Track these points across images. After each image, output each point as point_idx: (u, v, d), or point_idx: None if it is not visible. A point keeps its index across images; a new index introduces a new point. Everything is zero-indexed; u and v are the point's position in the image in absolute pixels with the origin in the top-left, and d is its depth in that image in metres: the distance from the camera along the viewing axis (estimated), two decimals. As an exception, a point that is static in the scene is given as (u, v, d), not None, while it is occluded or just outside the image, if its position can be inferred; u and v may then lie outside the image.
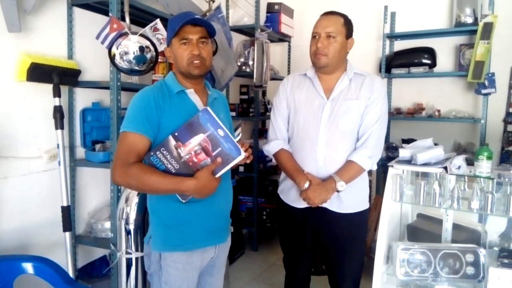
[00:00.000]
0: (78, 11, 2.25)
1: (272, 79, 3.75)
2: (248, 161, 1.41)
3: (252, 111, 3.69)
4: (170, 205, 1.40)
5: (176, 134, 1.31)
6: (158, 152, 1.32)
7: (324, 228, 1.79)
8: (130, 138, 1.33)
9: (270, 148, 1.85)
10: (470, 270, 1.59)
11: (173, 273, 1.41)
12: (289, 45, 4.16)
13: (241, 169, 3.59)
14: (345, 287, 1.83)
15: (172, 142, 1.31)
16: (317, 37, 1.72)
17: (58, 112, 1.99)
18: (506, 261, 1.58)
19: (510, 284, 1.52)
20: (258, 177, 3.59)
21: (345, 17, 1.75)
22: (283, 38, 4.02)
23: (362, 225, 1.86)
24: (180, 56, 1.41)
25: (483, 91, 3.25)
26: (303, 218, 1.81)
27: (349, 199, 1.75)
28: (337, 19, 1.72)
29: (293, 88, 1.85)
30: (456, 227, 1.80)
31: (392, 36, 3.71)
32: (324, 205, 1.71)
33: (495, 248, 1.68)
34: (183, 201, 1.36)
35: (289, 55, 4.19)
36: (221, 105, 1.59)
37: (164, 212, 1.42)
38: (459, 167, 1.64)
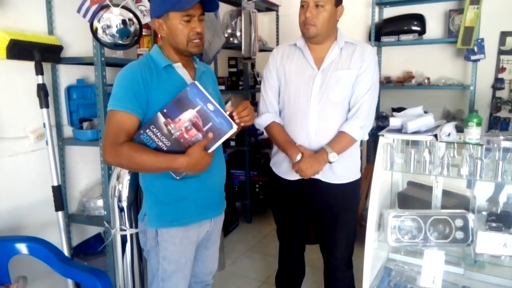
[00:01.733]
0: (56, -16, 2.15)
1: (261, 50, 3.68)
2: (243, 123, 1.39)
3: (241, 84, 3.64)
4: (164, 182, 1.39)
5: (165, 110, 1.28)
6: (148, 130, 1.29)
7: (317, 199, 1.81)
8: (118, 117, 1.30)
9: (261, 121, 1.83)
10: (459, 234, 1.63)
11: (170, 249, 1.42)
12: (277, 15, 4.07)
13: (232, 143, 3.58)
14: (338, 253, 1.87)
15: (162, 119, 1.28)
16: (305, 6, 1.67)
17: (42, 91, 1.94)
18: (494, 224, 1.62)
19: (498, 247, 1.57)
20: (250, 151, 3.59)
21: None
22: (271, 7, 3.92)
23: (355, 194, 1.88)
24: (181, 33, 1.35)
25: (473, 58, 3.24)
26: (296, 190, 1.81)
27: (341, 170, 1.76)
28: None
29: (283, 59, 1.81)
30: (445, 193, 1.84)
31: (381, 3, 3.64)
32: (317, 176, 1.72)
33: (484, 213, 1.73)
34: (177, 177, 1.35)
35: (277, 25, 4.10)
36: (210, 79, 1.56)
37: (159, 189, 1.41)
38: (449, 134, 1.65)
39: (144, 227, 1.46)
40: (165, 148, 1.31)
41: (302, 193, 1.82)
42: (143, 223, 1.47)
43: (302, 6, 1.69)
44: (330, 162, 1.69)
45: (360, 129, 1.70)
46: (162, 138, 1.30)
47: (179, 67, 1.41)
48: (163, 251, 1.43)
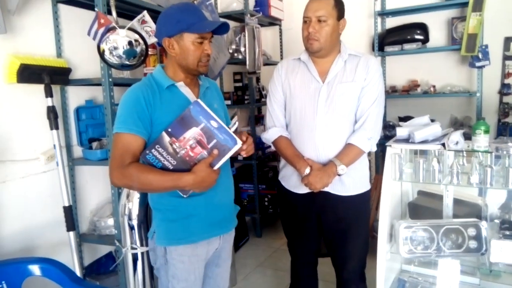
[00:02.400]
0: (63, 8, 2.21)
1: (265, 64, 3.72)
2: (245, 154, 1.40)
3: (247, 98, 3.67)
4: (172, 200, 1.40)
5: (170, 130, 1.29)
6: (153, 150, 1.30)
7: (328, 212, 1.80)
8: (123, 139, 1.32)
9: (269, 135, 1.84)
10: (472, 243, 1.60)
11: (179, 267, 1.42)
12: (280, 29, 4.11)
13: (240, 157, 3.58)
14: (350, 266, 1.84)
15: (166, 138, 1.29)
16: (307, 21, 1.69)
17: (51, 113, 1.97)
18: (507, 232, 1.59)
19: (513, 255, 1.54)
20: (258, 164, 3.59)
21: None
22: (274, 21, 3.97)
23: (365, 206, 1.86)
24: (193, 54, 1.38)
25: (477, 64, 3.23)
26: (306, 203, 1.80)
27: (351, 182, 1.75)
28: (327, 1, 1.68)
29: (288, 73, 1.82)
30: (457, 202, 1.81)
31: (384, 13, 3.67)
32: (326, 189, 1.71)
33: (496, 221, 1.70)
34: (184, 196, 1.35)
35: (280, 38, 4.15)
36: (215, 94, 1.58)
37: (166, 207, 1.42)
38: (457, 143, 1.64)
39: (154, 245, 1.47)
40: (171, 167, 1.31)
41: (312, 206, 1.80)
42: (152, 241, 1.48)
43: (304, 22, 1.71)
44: (339, 175, 1.69)
45: (368, 141, 1.70)
46: (168, 157, 1.31)
47: (182, 86, 1.43)
48: (172, 269, 1.42)
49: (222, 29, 1.44)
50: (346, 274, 1.85)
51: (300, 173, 1.73)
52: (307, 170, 1.69)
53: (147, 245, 1.96)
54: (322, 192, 1.72)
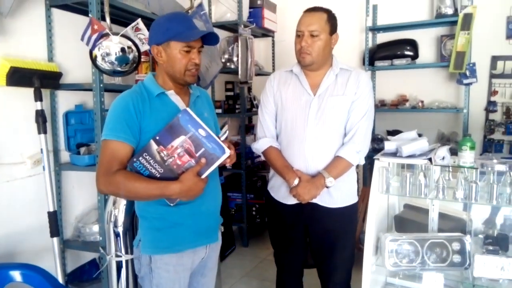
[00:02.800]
0: (57, 12, 2.20)
1: (257, 74, 3.75)
2: (229, 163, 1.40)
3: (238, 107, 3.68)
4: (158, 209, 1.39)
5: (158, 138, 1.29)
6: (141, 158, 1.29)
7: (315, 223, 1.81)
8: (111, 146, 1.31)
9: (259, 146, 1.85)
10: (456, 258, 1.62)
11: (164, 276, 1.40)
12: (273, 40, 4.16)
13: (229, 166, 3.57)
14: (336, 278, 1.85)
15: (154, 146, 1.29)
16: (300, 35, 1.72)
17: (40, 116, 1.95)
18: (491, 247, 1.62)
19: (496, 270, 1.57)
20: (246, 173, 3.59)
21: (328, 12, 1.74)
22: (267, 33, 4.01)
23: (352, 218, 1.88)
24: (179, 62, 1.38)
25: (465, 81, 3.30)
26: (294, 214, 1.81)
27: (339, 194, 1.77)
28: (320, 16, 1.71)
29: (280, 84, 1.84)
30: (442, 216, 1.84)
31: (375, 29, 3.74)
32: (314, 200, 1.73)
33: (480, 236, 1.73)
34: (171, 204, 1.34)
35: (273, 50, 4.19)
36: (205, 103, 1.58)
37: (153, 215, 1.41)
38: (443, 158, 1.67)
39: (139, 253, 1.44)
40: (158, 175, 1.30)
41: (300, 217, 1.81)
42: (138, 249, 1.46)
43: (297, 35, 1.74)
44: (327, 187, 1.70)
45: (357, 154, 1.72)
46: (155, 165, 1.30)
47: (172, 95, 1.42)
48: (156, 278, 1.41)
49: (213, 40, 1.44)
50: (332, 286, 1.86)
51: (288, 184, 1.74)
52: (296, 181, 1.71)
53: (132, 253, 1.93)
54: (310, 203, 1.73)
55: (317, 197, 1.71)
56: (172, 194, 1.30)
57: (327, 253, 1.83)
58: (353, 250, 1.89)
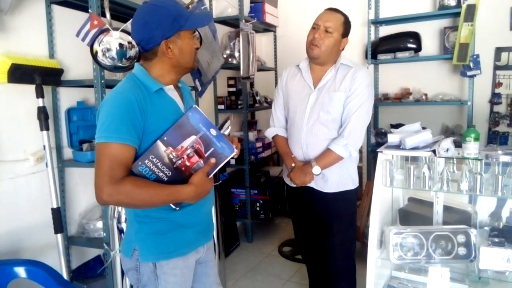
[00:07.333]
0: (57, 9, 2.19)
1: (259, 70, 3.72)
2: (235, 156, 1.35)
3: (240, 103, 3.67)
4: (161, 212, 1.28)
5: (165, 138, 1.19)
6: (146, 161, 1.18)
7: (312, 205, 2.00)
8: (114, 150, 1.15)
9: (268, 133, 2.13)
10: (462, 250, 1.61)
11: (171, 280, 1.31)
12: (275, 35, 4.13)
13: (233, 161, 3.58)
14: (334, 262, 1.95)
15: (162, 147, 1.19)
16: (316, 28, 1.86)
17: (42, 113, 1.95)
18: (496, 240, 1.61)
19: (501, 263, 1.55)
20: (250, 169, 3.58)
21: (346, 17, 1.89)
22: (268, 28, 3.98)
23: (348, 204, 1.98)
24: (190, 50, 1.29)
25: (469, 73, 3.27)
26: (297, 195, 2.05)
27: (333, 180, 1.92)
28: (338, 17, 1.86)
29: (288, 78, 2.05)
30: (446, 209, 1.83)
31: (377, 22, 3.70)
32: (310, 184, 1.92)
33: (486, 228, 1.72)
34: (177, 208, 1.27)
35: (275, 45, 4.16)
36: (189, 96, 1.46)
37: (155, 219, 1.30)
38: (447, 150, 1.66)
39: (135, 263, 1.30)
40: (165, 179, 1.21)
41: (301, 198, 2.03)
42: (132, 260, 1.31)
43: (313, 28, 1.88)
44: (316, 175, 1.87)
45: (344, 147, 1.83)
46: (163, 168, 1.20)
47: (170, 90, 1.30)
48: (163, 284, 1.31)
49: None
50: (332, 272, 1.97)
51: (287, 169, 1.99)
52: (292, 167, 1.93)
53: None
54: (307, 187, 1.93)
55: (312, 182, 1.90)
56: (186, 199, 1.22)
57: (323, 233, 1.98)
58: (351, 237, 2.00)
